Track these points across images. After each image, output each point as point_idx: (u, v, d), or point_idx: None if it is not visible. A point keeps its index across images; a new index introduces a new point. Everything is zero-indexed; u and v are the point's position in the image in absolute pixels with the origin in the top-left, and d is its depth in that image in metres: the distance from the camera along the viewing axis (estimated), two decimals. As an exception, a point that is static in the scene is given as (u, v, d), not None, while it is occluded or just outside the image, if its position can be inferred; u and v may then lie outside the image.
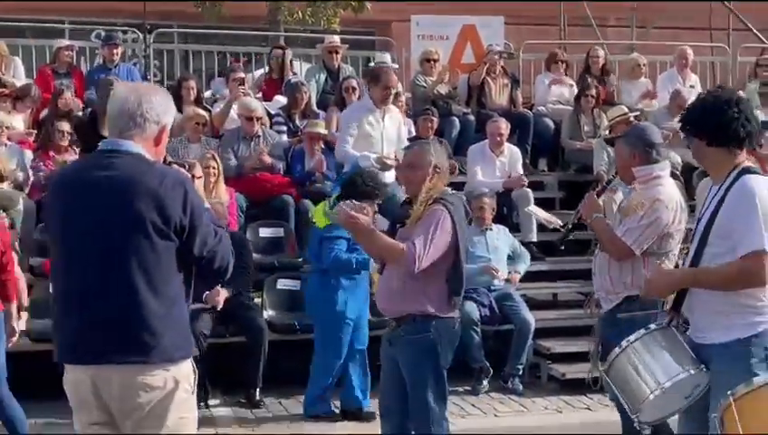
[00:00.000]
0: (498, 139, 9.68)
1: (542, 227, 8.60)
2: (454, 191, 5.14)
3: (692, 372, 4.14)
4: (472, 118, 10.92)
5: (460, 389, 7.78)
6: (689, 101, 10.57)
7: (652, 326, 4.40)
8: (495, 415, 7.39)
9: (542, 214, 7.08)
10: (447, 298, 4.90)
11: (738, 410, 3.82)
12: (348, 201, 4.99)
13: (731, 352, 3.99)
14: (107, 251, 3.51)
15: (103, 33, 11.57)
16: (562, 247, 5.94)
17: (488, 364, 7.93)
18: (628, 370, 4.37)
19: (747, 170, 4.07)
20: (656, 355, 4.32)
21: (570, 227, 5.53)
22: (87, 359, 3.54)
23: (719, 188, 4.12)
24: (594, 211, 5.18)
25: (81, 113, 9.69)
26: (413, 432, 5.00)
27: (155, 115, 3.64)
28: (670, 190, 5.23)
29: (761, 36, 14.41)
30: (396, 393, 5.01)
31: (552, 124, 11.11)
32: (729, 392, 3.88)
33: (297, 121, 9.95)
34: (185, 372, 3.61)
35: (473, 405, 7.62)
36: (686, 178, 10.26)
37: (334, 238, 6.82)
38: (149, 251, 3.51)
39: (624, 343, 4.39)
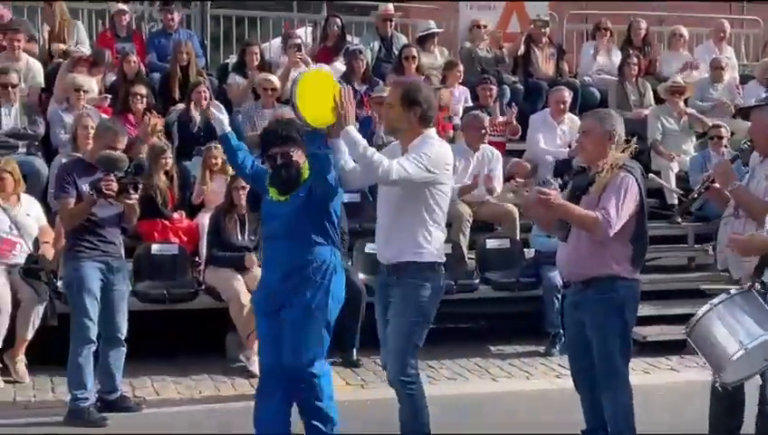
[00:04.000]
0: (561, 107, 9.91)
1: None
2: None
3: None
4: (521, 87, 11.15)
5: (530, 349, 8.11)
6: (726, 71, 11.03)
7: (733, 290, 4.58)
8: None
9: (666, 184, 7.25)
10: (632, 260, 5.07)
11: None
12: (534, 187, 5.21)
13: None
14: None
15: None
16: (682, 216, 5.98)
17: (562, 331, 8.12)
18: (711, 331, 4.57)
19: None
20: (739, 318, 4.51)
21: (695, 196, 5.52)
22: None
23: None
24: (731, 179, 5.18)
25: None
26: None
27: None
28: None
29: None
30: (588, 357, 5.14)
31: (597, 93, 11.36)
32: None
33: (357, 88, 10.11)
34: None
35: (544, 365, 7.96)
36: (734, 147, 10.59)
37: None
38: None
39: (707, 306, 4.58)
